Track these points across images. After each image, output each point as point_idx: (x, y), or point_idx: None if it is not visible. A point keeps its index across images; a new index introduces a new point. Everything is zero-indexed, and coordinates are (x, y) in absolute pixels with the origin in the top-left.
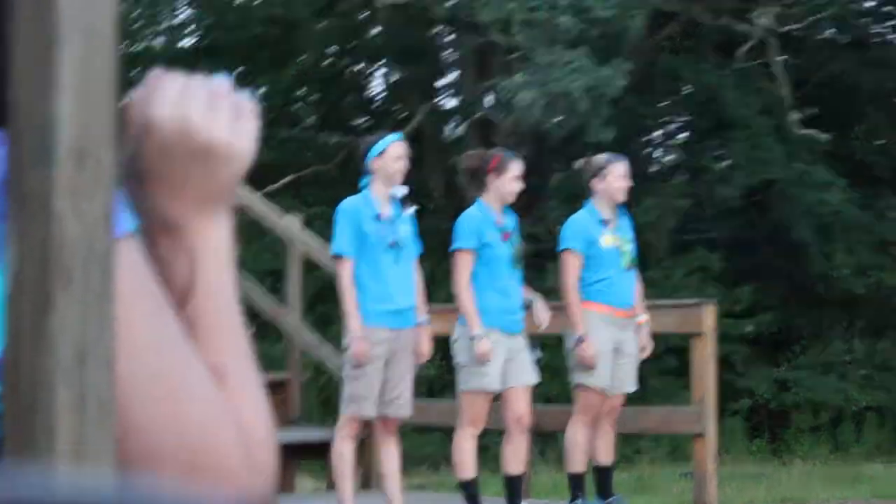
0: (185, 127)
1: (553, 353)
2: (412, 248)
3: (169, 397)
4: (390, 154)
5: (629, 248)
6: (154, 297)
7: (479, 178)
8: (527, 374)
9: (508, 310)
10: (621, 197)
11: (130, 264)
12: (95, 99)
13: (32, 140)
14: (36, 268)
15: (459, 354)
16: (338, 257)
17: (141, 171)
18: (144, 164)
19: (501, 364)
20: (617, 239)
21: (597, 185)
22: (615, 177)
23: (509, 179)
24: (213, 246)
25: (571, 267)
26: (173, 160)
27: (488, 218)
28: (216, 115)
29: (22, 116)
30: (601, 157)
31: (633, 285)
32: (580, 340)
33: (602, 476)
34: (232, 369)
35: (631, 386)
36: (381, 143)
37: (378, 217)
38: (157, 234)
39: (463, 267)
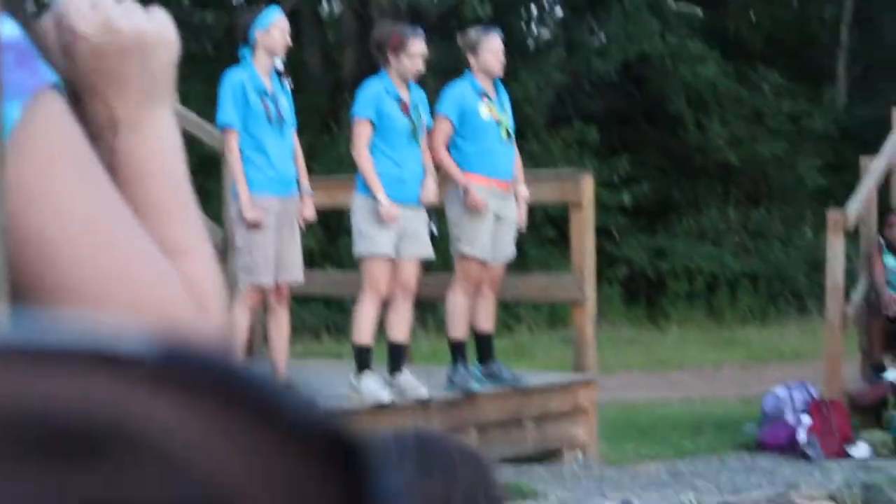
0: (111, 27)
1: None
2: (292, 121)
3: (103, 242)
4: (277, 26)
5: (507, 120)
6: (82, 150)
7: (383, 53)
8: (421, 246)
9: (404, 181)
10: (497, 70)
11: (53, 115)
12: None
13: None
14: None
15: (356, 223)
16: (225, 129)
17: (77, 86)
18: (80, 78)
19: (393, 234)
20: (494, 111)
21: (472, 59)
22: (489, 51)
23: (409, 56)
24: (161, 134)
25: (441, 133)
26: (108, 63)
27: (389, 89)
28: (130, 11)
29: None
30: (475, 31)
31: (511, 157)
32: (466, 191)
33: (482, 342)
34: (188, 243)
35: (509, 251)
36: (266, 15)
37: (263, 90)
38: (105, 139)
39: (360, 135)
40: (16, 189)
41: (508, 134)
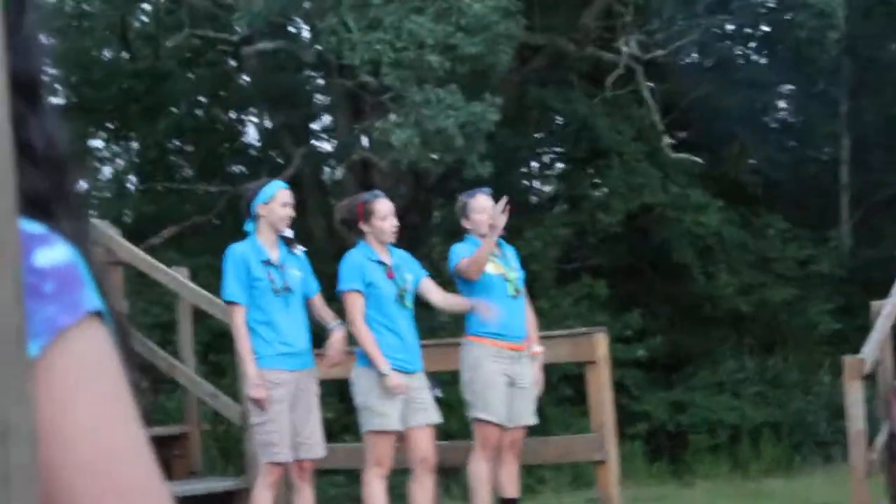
0: None
1: (450, 390)
2: (306, 289)
3: (115, 486)
4: (278, 200)
5: (514, 276)
6: (110, 383)
7: (354, 226)
8: (428, 413)
9: (401, 348)
10: (486, 229)
11: (79, 350)
12: None
13: None
14: None
15: (359, 395)
16: (230, 304)
17: None
18: None
19: (401, 403)
20: (500, 267)
21: (466, 224)
22: (477, 211)
23: (379, 220)
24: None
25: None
26: None
27: (370, 257)
28: None
29: None
30: (462, 196)
31: (522, 315)
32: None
33: None
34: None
35: (530, 418)
36: (267, 189)
37: (267, 262)
38: None
39: (353, 308)
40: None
41: (517, 290)
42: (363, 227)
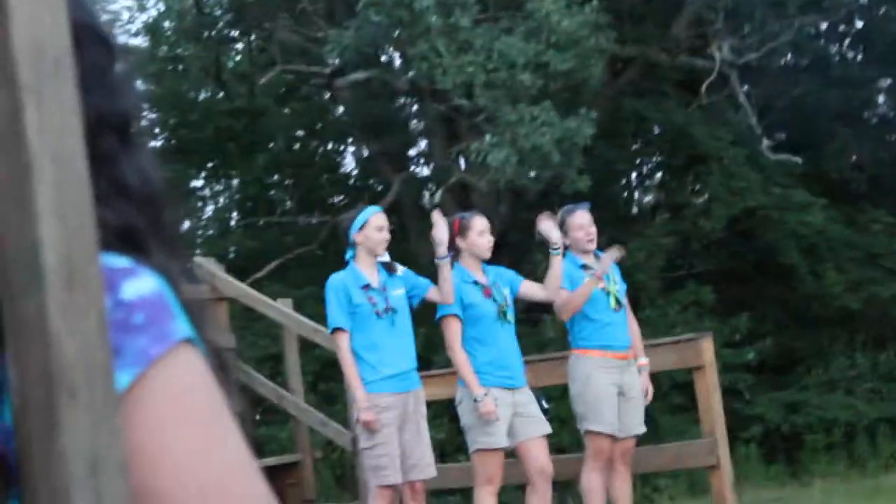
0: None
1: (559, 403)
2: (415, 299)
3: None
4: (371, 225)
5: (615, 289)
6: (210, 407)
7: (452, 246)
8: (537, 425)
9: (504, 365)
10: (587, 245)
11: (175, 376)
12: (76, 224)
13: (21, 267)
14: (40, 388)
15: (464, 416)
16: (334, 331)
17: None
18: None
19: (508, 420)
20: (602, 282)
21: (564, 240)
22: (575, 228)
23: (475, 236)
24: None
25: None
26: None
27: (466, 278)
28: None
29: (9, 244)
30: (560, 213)
31: (625, 326)
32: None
33: None
34: None
35: (639, 427)
36: (361, 216)
37: (366, 287)
38: None
39: (451, 332)
40: (134, 454)
41: (618, 303)
42: (459, 243)
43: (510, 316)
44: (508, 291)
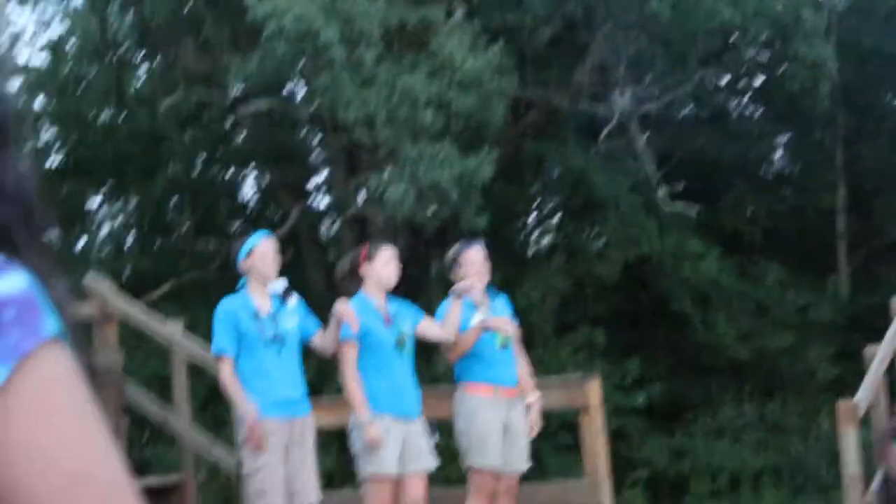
0: None
1: (449, 437)
2: (304, 334)
3: (91, 499)
4: (258, 253)
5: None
6: (79, 402)
7: (356, 275)
8: (423, 459)
9: (399, 395)
10: (479, 281)
11: (47, 371)
12: None
13: None
14: None
15: (355, 443)
16: (218, 356)
17: None
18: None
19: (398, 449)
20: (487, 317)
21: (456, 274)
22: (468, 264)
23: (381, 265)
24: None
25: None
26: None
27: (367, 306)
28: None
29: None
30: (453, 249)
31: (511, 363)
32: (482, 321)
33: None
34: None
35: (523, 464)
36: (247, 243)
37: (256, 314)
38: None
39: (347, 357)
40: (2, 449)
41: (503, 340)
42: (365, 270)
43: (408, 348)
44: (409, 325)
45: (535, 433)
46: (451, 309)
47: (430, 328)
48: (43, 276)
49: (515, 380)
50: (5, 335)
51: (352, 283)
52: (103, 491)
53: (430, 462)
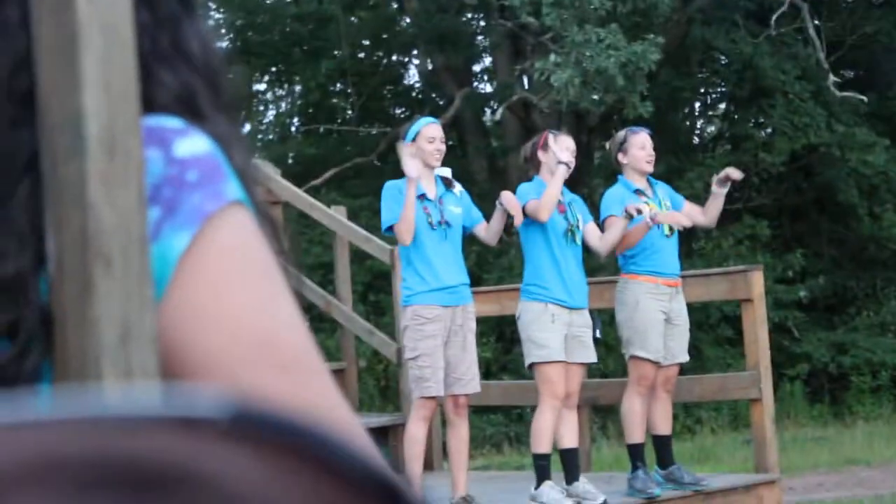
0: None
1: (606, 329)
2: (467, 223)
3: (281, 366)
4: (423, 136)
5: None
6: (265, 267)
7: (535, 160)
8: (585, 351)
9: (566, 283)
10: (646, 166)
11: (230, 235)
12: (120, 93)
13: (64, 134)
14: (76, 255)
15: (523, 329)
16: (391, 227)
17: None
18: None
19: (562, 337)
20: (653, 207)
21: (622, 158)
22: (636, 148)
23: (559, 151)
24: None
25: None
26: None
27: (542, 192)
28: None
29: (51, 112)
30: (621, 132)
31: (675, 252)
32: (652, 217)
33: (661, 445)
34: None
35: (683, 355)
36: (413, 127)
37: (423, 196)
38: None
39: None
40: (188, 314)
41: (671, 229)
42: (540, 155)
43: (578, 238)
44: (581, 218)
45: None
46: (613, 226)
47: (591, 235)
48: (227, 143)
49: (678, 269)
50: (189, 195)
51: (532, 167)
52: (289, 358)
53: (591, 355)
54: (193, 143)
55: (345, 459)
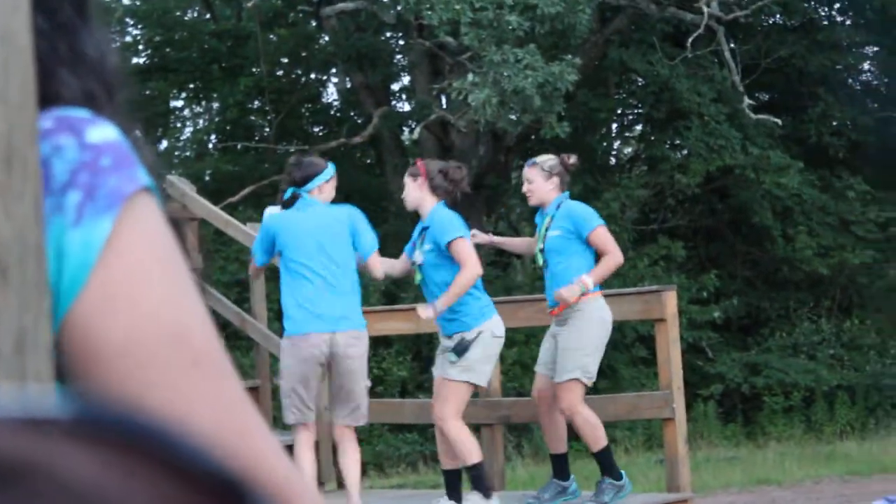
0: None
1: (521, 348)
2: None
3: (192, 355)
4: (332, 183)
5: (538, 247)
6: (174, 256)
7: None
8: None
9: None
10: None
11: (145, 221)
12: (17, 104)
13: None
14: None
15: (475, 349)
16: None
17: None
18: None
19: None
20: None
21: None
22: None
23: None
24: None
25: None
26: None
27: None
28: None
29: None
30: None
31: (552, 285)
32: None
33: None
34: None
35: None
36: (329, 171)
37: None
38: None
39: (472, 253)
40: (107, 300)
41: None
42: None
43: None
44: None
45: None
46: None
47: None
48: (128, 137)
49: (551, 300)
50: (105, 180)
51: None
52: (199, 349)
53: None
54: (104, 131)
55: (186, 456)
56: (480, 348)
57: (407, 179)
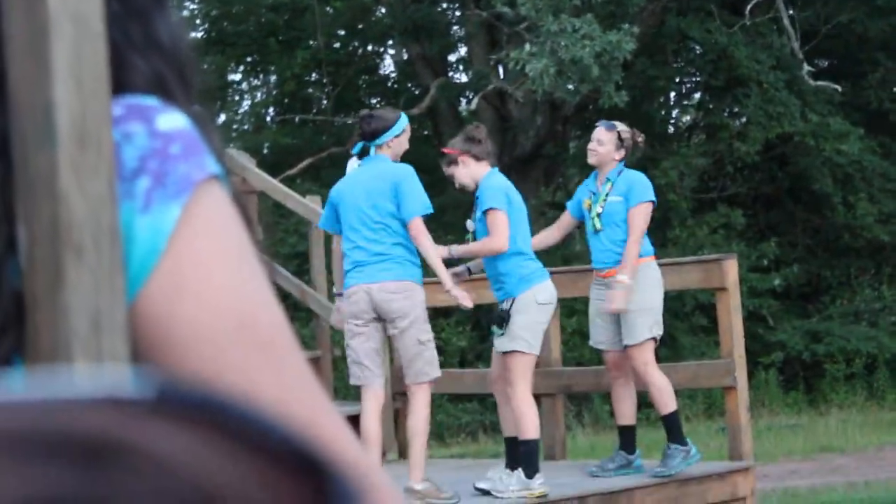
0: None
1: (581, 319)
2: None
3: (260, 344)
4: (406, 134)
5: (599, 211)
6: (243, 245)
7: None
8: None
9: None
10: (590, 157)
11: (216, 209)
12: (91, 84)
13: (35, 125)
14: (47, 246)
15: (516, 317)
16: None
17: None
18: None
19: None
20: (590, 203)
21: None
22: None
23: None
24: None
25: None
26: None
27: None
28: None
29: (22, 102)
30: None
31: (600, 247)
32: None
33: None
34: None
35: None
36: (402, 121)
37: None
38: None
39: (505, 224)
40: (176, 286)
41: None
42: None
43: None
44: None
45: (610, 308)
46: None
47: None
48: (200, 126)
49: (609, 261)
50: (175, 167)
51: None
52: (266, 339)
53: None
54: (173, 119)
55: (271, 435)
56: (522, 315)
57: (449, 170)
